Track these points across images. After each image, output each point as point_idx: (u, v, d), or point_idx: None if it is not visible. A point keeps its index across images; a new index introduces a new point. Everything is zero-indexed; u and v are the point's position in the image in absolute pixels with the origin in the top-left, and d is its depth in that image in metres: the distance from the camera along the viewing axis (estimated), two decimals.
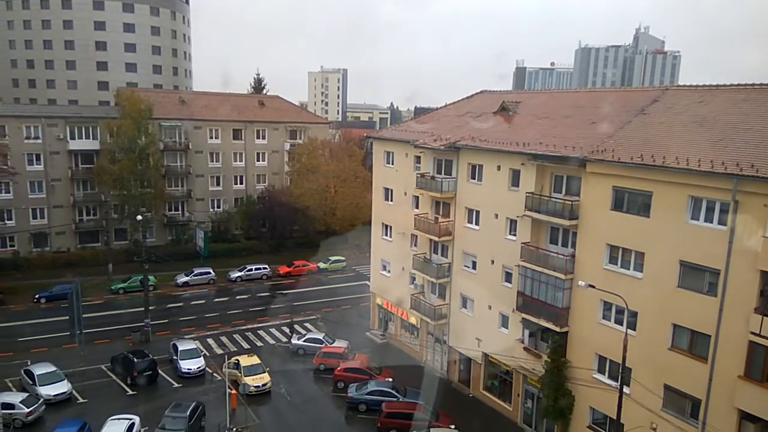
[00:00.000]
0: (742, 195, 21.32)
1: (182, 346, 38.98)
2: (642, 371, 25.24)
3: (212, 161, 68.69)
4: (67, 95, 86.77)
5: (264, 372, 36.14)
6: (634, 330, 25.35)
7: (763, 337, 20.66)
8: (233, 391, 32.53)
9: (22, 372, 35.07)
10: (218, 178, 69.45)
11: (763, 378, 21.04)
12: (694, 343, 23.59)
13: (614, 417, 24.56)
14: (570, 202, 27.99)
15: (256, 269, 58.60)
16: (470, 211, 35.06)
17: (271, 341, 44.07)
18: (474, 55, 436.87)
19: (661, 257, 24.27)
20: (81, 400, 34.09)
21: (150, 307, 44.09)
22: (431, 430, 30.12)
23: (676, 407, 24.38)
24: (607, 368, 27.34)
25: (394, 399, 33.51)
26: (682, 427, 23.95)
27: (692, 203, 23.21)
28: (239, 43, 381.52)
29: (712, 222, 22.63)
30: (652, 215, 24.61)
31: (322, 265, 62.38)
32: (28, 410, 30.91)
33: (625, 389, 24.86)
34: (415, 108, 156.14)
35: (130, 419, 29.65)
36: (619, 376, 24.48)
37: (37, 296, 49.70)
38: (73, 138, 60.25)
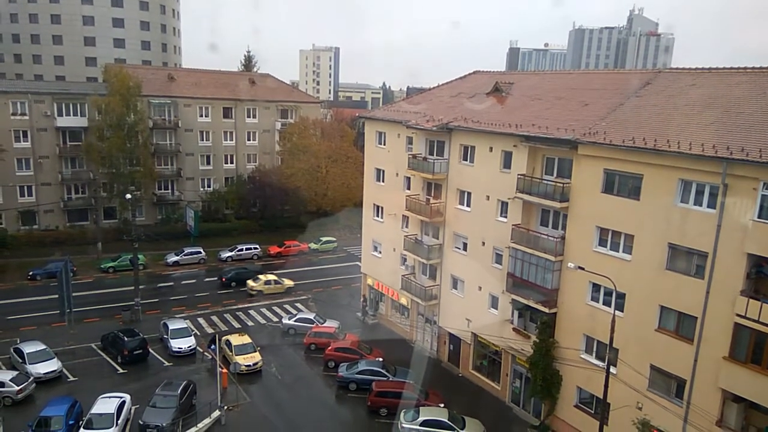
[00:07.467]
0: (732, 178, 21.44)
1: (173, 325, 39.02)
2: (629, 352, 25.59)
3: (202, 140, 68.13)
4: (54, 71, 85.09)
5: (255, 351, 36.30)
6: (622, 311, 25.64)
7: (749, 319, 20.96)
8: (224, 370, 32.69)
9: (12, 350, 35.00)
10: (208, 157, 68.92)
11: (747, 359, 21.38)
12: (680, 325, 23.90)
13: (601, 396, 24.93)
14: (561, 185, 28.05)
15: (246, 249, 58.53)
16: (462, 192, 35.06)
17: (262, 321, 44.20)
18: (468, 35, 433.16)
19: (650, 240, 24.45)
20: (71, 379, 34.12)
21: (140, 286, 44.01)
22: (420, 408, 30.42)
23: (662, 387, 24.80)
24: (594, 349, 27.69)
25: (384, 378, 33.81)
26: (667, 407, 24.36)
27: (682, 186, 23.33)
28: (229, 18, 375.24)
29: (701, 205, 22.78)
30: (642, 198, 24.73)
31: (313, 245, 62.40)
32: (18, 388, 30.91)
33: (612, 369, 25.24)
34: (408, 88, 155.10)
35: (121, 397, 29.70)
36: (606, 357, 24.82)
37: (31, 273, 49.43)
38: (60, 115, 59.45)
